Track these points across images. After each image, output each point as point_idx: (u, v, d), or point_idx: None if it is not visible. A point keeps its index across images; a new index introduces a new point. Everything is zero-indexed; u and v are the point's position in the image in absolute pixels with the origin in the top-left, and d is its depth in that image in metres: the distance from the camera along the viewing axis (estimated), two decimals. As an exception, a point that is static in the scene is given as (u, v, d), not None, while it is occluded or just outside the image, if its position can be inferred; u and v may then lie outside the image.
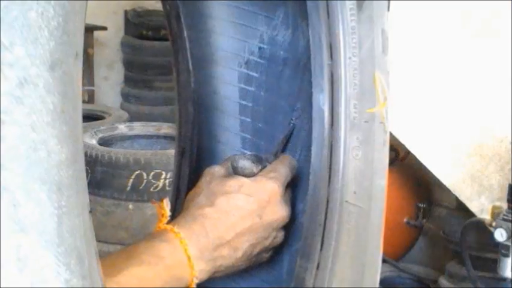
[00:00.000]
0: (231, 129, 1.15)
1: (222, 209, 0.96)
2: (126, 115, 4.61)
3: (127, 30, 6.07)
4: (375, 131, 1.03)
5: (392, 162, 3.23)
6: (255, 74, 1.13)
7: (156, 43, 5.54)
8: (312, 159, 1.01)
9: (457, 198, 2.85)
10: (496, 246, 2.54)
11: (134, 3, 6.05)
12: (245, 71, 1.13)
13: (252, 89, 1.14)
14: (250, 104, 1.14)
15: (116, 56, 6.15)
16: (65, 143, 0.48)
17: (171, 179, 3.00)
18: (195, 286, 0.91)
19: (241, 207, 0.97)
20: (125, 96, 5.99)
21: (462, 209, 2.84)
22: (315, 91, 1.00)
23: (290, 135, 1.10)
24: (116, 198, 3.14)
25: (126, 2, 6.05)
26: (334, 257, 0.99)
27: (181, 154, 1.09)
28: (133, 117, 4.67)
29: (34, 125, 0.45)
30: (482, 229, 2.64)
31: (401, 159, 3.42)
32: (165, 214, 0.94)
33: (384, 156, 1.05)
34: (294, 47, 1.10)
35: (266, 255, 1.04)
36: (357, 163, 1.01)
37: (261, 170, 1.03)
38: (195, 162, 1.08)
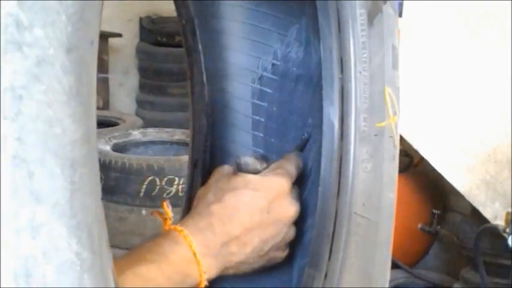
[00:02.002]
0: (243, 143, 1.17)
1: (229, 205, 0.97)
2: (140, 121, 4.63)
3: (142, 37, 6.11)
4: (385, 144, 1.05)
5: (406, 168, 3.26)
6: (268, 90, 1.16)
7: (171, 49, 5.55)
8: (322, 171, 1.02)
9: (471, 205, 2.84)
10: (510, 252, 2.54)
11: (149, 11, 6.11)
12: (258, 86, 1.16)
13: (265, 104, 1.16)
14: (262, 119, 1.17)
15: (131, 62, 6.20)
16: (79, 123, 0.50)
17: (184, 185, 3.02)
18: (206, 283, 0.91)
19: (249, 203, 0.98)
20: (140, 103, 6.03)
21: (476, 215, 2.84)
22: (326, 104, 1.02)
23: (303, 147, 1.12)
24: (129, 204, 3.16)
25: (141, 9, 6.10)
26: (342, 267, 1.00)
27: (194, 165, 1.12)
28: (148, 123, 4.69)
29: (50, 103, 0.47)
30: (496, 235, 2.63)
31: (415, 165, 3.43)
32: (168, 216, 0.96)
33: (393, 170, 1.07)
34: (307, 63, 1.12)
35: (281, 255, 1.04)
36: (366, 176, 1.03)
37: (266, 168, 1.04)
38: (207, 173, 1.10)
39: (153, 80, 5.88)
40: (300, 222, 1.06)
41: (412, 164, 3.41)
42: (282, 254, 1.05)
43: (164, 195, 3.12)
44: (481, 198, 2.72)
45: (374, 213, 1.04)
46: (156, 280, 0.87)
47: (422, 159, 3.06)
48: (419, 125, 2.78)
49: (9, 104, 0.45)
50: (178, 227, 0.94)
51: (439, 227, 3.38)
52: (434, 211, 3.38)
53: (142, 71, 6.07)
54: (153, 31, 5.93)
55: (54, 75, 0.48)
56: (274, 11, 1.12)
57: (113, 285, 0.56)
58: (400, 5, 2.66)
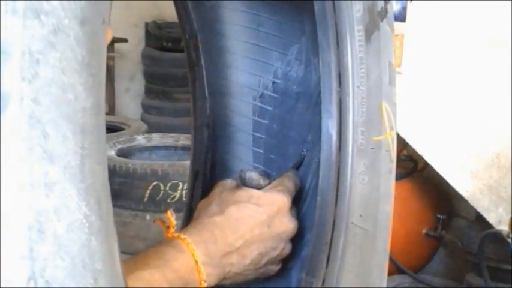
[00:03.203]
0: (243, 159, 1.20)
1: (232, 217, 1.00)
2: (145, 126, 4.65)
3: (148, 42, 6.15)
4: (381, 158, 1.08)
5: (411, 173, 3.28)
6: (268, 108, 1.19)
7: (177, 55, 5.56)
8: (320, 181, 1.05)
9: (476, 210, 2.85)
10: None
11: (155, 16, 6.15)
12: (259, 104, 1.19)
13: (265, 121, 1.19)
14: (263, 136, 1.20)
15: (137, 67, 6.23)
16: (90, 93, 0.53)
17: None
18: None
19: (251, 216, 1.01)
20: (146, 108, 6.04)
21: (481, 220, 2.85)
22: (324, 116, 1.05)
23: (300, 164, 1.15)
24: (133, 209, 3.16)
25: (146, 14, 6.15)
26: (339, 275, 1.02)
27: (195, 176, 1.15)
28: (153, 128, 4.70)
29: (64, 69, 0.51)
30: (500, 240, 2.63)
31: (420, 171, 3.44)
32: (172, 224, 0.98)
33: (389, 183, 1.09)
34: (306, 82, 1.16)
35: (274, 269, 1.06)
36: (363, 187, 1.05)
37: (268, 184, 1.07)
38: (208, 185, 1.13)
39: (159, 85, 5.90)
40: (298, 237, 1.09)
41: (416, 169, 3.44)
42: (275, 268, 1.08)
43: (168, 200, 3.13)
44: (485, 203, 2.73)
45: (371, 224, 1.06)
46: (158, 284, 0.89)
47: (427, 164, 3.09)
48: (424, 130, 2.82)
49: (27, 66, 0.48)
50: (182, 236, 0.96)
51: (443, 232, 3.39)
52: (439, 216, 3.40)
53: (148, 76, 6.09)
54: (158, 36, 5.96)
55: (68, 44, 0.51)
56: (275, 31, 1.16)
57: (117, 254, 0.58)
58: (404, 10, 2.71)
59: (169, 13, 5.95)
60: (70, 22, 0.51)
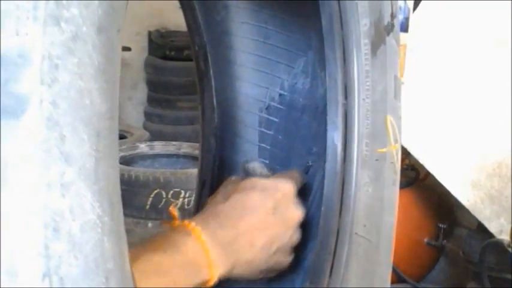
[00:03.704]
0: None
1: (237, 204, 1.00)
2: (147, 134, 4.65)
3: (151, 51, 6.14)
4: (386, 170, 1.10)
5: (412, 182, 3.29)
6: (274, 119, 1.21)
7: (179, 63, 5.55)
8: (325, 191, 1.07)
9: (477, 219, 2.86)
10: None
11: (158, 24, 6.15)
12: (265, 115, 1.21)
13: (271, 133, 1.21)
14: (268, 147, 1.21)
15: (140, 76, 6.23)
16: (105, 98, 0.55)
17: (190, 198, 3.03)
18: (216, 275, 0.93)
19: (255, 202, 1.01)
20: (148, 116, 6.05)
21: (482, 229, 2.86)
22: (330, 128, 1.07)
23: (306, 173, 1.17)
24: (135, 217, 3.16)
25: (149, 23, 6.15)
26: (343, 284, 1.03)
27: (202, 185, 1.16)
28: (156, 137, 4.69)
29: (82, 75, 0.53)
30: (501, 250, 2.64)
31: (421, 180, 3.45)
32: (176, 216, 0.99)
33: (393, 195, 1.11)
34: (313, 94, 1.17)
35: (286, 259, 1.06)
36: (367, 198, 1.07)
37: (272, 175, 1.09)
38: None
39: (161, 93, 5.91)
40: (301, 246, 1.10)
41: (418, 178, 3.45)
42: (287, 259, 1.07)
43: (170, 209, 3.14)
44: (486, 212, 2.74)
45: (374, 235, 1.08)
46: (169, 269, 0.89)
47: (428, 173, 3.10)
48: (426, 140, 2.84)
49: (46, 71, 0.50)
50: (187, 221, 0.97)
51: (445, 241, 3.40)
52: (440, 225, 3.41)
53: (151, 84, 6.09)
54: (161, 45, 5.96)
55: (85, 51, 0.53)
56: (282, 44, 1.18)
57: (127, 256, 0.60)
58: (406, 21, 2.73)
59: (173, 22, 5.98)
60: (88, 29, 0.53)
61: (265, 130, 1.22)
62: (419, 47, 2.82)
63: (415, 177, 3.44)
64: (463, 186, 2.79)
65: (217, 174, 1.17)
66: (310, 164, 1.17)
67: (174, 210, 1.01)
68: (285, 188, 1.05)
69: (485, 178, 2.76)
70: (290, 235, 1.05)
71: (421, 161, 2.90)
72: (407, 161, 3.42)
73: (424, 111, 2.84)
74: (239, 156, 1.22)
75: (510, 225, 2.69)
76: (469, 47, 2.78)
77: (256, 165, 1.08)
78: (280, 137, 1.21)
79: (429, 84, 2.84)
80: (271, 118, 1.21)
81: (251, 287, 1.11)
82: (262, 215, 1.01)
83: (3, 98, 0.48)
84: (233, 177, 1.09)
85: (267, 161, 1.22)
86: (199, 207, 1.16)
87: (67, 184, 0.51)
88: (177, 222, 0.98)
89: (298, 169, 1.18)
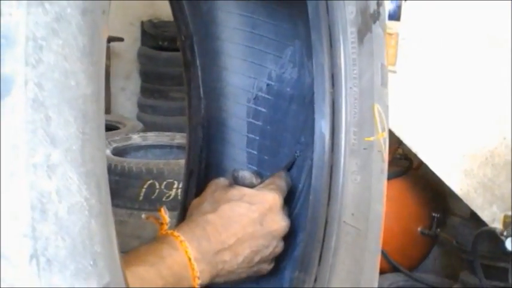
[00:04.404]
0: (237, 159, 1.21)
1: (225, 215, 1.02)
2: (140, 125, 4.66)
3: (144, 41, 6.11)
4: (373, 158, 1.10)
5: (406, 171, 3.30)
6: (262, 110, 1.21)
7: (173, 54, 5.52)
8: (313, 180, 1.07)
9: (470, 208, 2.86)
10: (508, 255, 2.55)
11: (151, 15, 6.12)
12: (253, 106, 1.21)
13: (259, 123, 1.21)
14: (257, 137, 1.21)
15: (133, 66, 6.21)
16: (91, 80, 0.55)
17: None
18: (198, 285, 0.95)
19: (243, 215, 1.03)
20: (141, 107, 6.02)
21: (475, 218, 2.86)
22: (317, 117, 1.07)
23: (292, 165, 1.17)
24: (128, 208, 3.17)
25: (142, 13, 6.12)
26: (332, 272, 1.03)
27: (189, 175, 1.16)
28: (149, 127, 4.69)
29: (67, 56, 0.52)
30: (494, 238, 2.65)
31: (415, 169, 3.46)
32: (165, 221, 1.00)
33: (381, 183, 1.11)
34: (300, 84, 1.17)
35: (267, 267, 1.08)
36: (355, 187, 1.07)
37: (260, 183, 1.09)
38: (202, 184, 1.14)
39: (155, 84, 5.88)
40: (291, 237, 1.10)
41: (411, 167, 3.46)
42: (268, 267, 1.09)
43: (163, 199, 3.14)
44: (479, 201, 2.75)
45: (363, 223, 1.08)
46: (153, 281, 0.91)
47: (422, 162, 3.10)
48: (418, 129, 2.84)
49: (31, 52, 0.50)
50: (175, 233, 0.98)
51: (438, 230, 3.40)
52: (434, 214, 3.41)
53: (144, 75, 6.07)
54: (154, 35, 5.93)
55: (70, 32, 0.53)
56: (269, 34, 1.18)
57: (115, 239, 0.60)
58: (399, 9, 2.73)
59: (165, 12, 5.90)
60: (72, 11, 0.53)
61: (253, 120, 1.21)
62: (412, 36, 2.82)
63: (408, 166, 3.45)
64: (456, 175, 2.79)
65: (204, 164, 1.17)
66: (298, 153, 1.17)
67: (165, 214, 1.01)
68: (272, 200, 1.06)
69: (477, 167, 2.76)
70: (274, 246, 1.06)
71: (414, 150, 2.90)
72: (400, 150, 3.43)
73: (416, 100, 2.84)
74: (227, 147, 1.22)
75: (503, 214, 2.70)
76: (462, 35, 2.78)
77: (245, 174, 1.08)
78: (268, 127, 1.21)
79: (422, 73, 2.84)
80: (259, 108, 1.21)
81: (240, 286, 1.11)
82: (249, 227, 1.03)
83: (-13, 78, 0.48)
84: (221, 180, 1.10)
85: (255, 152, 1.22)
86: (187, 197, 1.16)
87: (53, 166, 0.51)
88: (165, 227, 0.98)
89: (286, 160, 1.18)
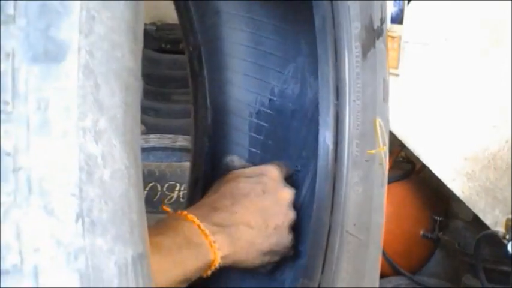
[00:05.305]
0: None
1: (227, 192, 1.05)
2: (142, 128, 4.59)
3: (146, 44, 6.04)
4: (375, 170, 1.12)
5: (408, 175, 3.30)
6: (264, 124, 1.23)
7: (175, 56, 5.48)
8: (316, 190, 1.09)
9: (473, 211, 2.86)
10: (510, 258, 2.55)
11: (154, 17, 6.12)
12: (255, 120, 1.23)
13: (261, 137, 1.23)
14: (258, 152, 1.23)
15: None
16: (133, 56, 0.57)
17: (185, 191, 3.02)
18: (219, 254, 0.95)
19: (244, 189, 1.05)
20: (144, 109, 5.91)
21: (478, 221, 2.85)
22: (321, 128, 1.10)
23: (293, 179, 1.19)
24: None
25: (145, 15, 6.08)
26: (334, 280, 1.05)
27: (194, 184, 1.18)
28: (151, 130, 4.63)
29: (114, 29, 0.55)
30: (496, 242, 2.64)
31: (417, 172, 3.45)
32: (169, 211, 1.02)
33: (382, 196, 1.14)
34: (302, 99, 1.20)
35: (286, 239, 1.08)
36: (357, 198, 1.10)
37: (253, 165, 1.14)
38: (207, 191, 1.15)
39: (157, 86, 5.82)
40: (293, 245, 1.12)
41: (414, 170, 3.45)
42: (287, 238, 1.09)
43: (165, 201, 3.13)
44: (481, 204, 2.75)
45: (364, 233, 1.10)
46: (170, 248, 0.90)
47: (424, 166, 3.09)
48: (421, 132, 2.85)
49: (84, 21, 0.52)
50: (179, 211, 0.99)
51: (440, 233, 3.39)
52: (436, 217, 3.39)
53: (147, 77, 6.03)
54: (157, 38, 5.91)
55: (118, 7, 0.55)
56: (273, 50, 1.21)
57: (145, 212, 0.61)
58: (401, 13, 2.77)
59: (168, 15, 5.87)
60: (118, -11, 0.55)
61: (255, 135, 1.24)
62: (415, 39, 2.85)
63: (410, 169, 3.45)
64: (458, 178, 2.79)
65: (210, 173, 1.19)
66: (299, 168, 1.19)
67: (167, 207, 1.03)
68: (270, 171, 1.09)
69: (480, 170, 2.77)
70: (284, 213, 1.08)
71: (416, 153, 2.90)
72: (402, 154, 3.43)
73: (419, 104, 2.86)
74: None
75: (505, 217, 2.71)
76: (465, 38, 2.80)
77: (234, 158, 1.12)
78: (270, 141, 1.23)
79: (424, 77, 2.86)
80: (261, 123, 1.23)
81: (243, 287, 1.12)
82: (254, 199, 1.05)
83: (46, 42, 0.50)
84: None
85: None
86: (191, 205, 1.17)
87: (100, 131, 0.53)
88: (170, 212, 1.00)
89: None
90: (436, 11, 2.83)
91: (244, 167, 1.12)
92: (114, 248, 0.53)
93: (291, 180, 1.17)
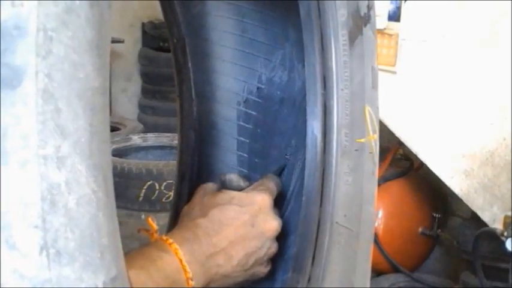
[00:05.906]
0: (228, 162, 1.22)
1: (215, 219, 1.01)
2: (140, 126, 4.67)
3: (144, 42, 6.11)
4: (365, 160, 1.10)
5: (406, 172, 3.30)
6: (253, 112, 1.21)
7: None
8: (305, 181, 1.07)
9: (470, 208, 2.86)
10: (508, 255, 2.56)
11: (151, 16, 6.10)
12: (243, 109, 1.21)
13: (250, 126, 1.21)
14: (247, 140, 1.22)
15: (134, 68, 6.19)
16: (98, 73, 0.55)
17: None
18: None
19: (234, 217, 1.02)
20: (142, 108, 6.00)
21: (476, 219, 2.86)
22: (309, 118, 1.08)
23: (283, 168, 1.17)
24: (128, 209, 3.16)
25: (143, 14, 6.10)
26: (325, 272, 1.04)
27: (181, 178, 1.16)
28: (150, 128, 4.69)
29: (75, 48, 0.53)
30: (494, 239, 2.65)
31: (415, 170, 3.46)
32: (154, 229, 0.99)
33: (372, 185, 1.12)
34: (290, 87, 1.18)
35: (263, 270, 1.07)
36: (347, 188, 1.08)
37: (248, 186, 1.09)
38: (194, 187, 1.14)
39: (156, 85, 5.86)
40: (282, 239, 1.10)
41: (412, 168, 3.46)
42: (264, 270, 1.08)
43: (163, 200, 3.14)
44: (479, 202, 2.75)
45: (355, 224, 1.08)
46: (145, 285, 0.89)
47: (422, 163, 3.09)
48: (419, 129, 2.84)
49: (42, 42, 0.50)
50: (164, 237, 0.97)
51: (439, 230, 3.41)
52: (435, 215, 3.41)
53: (145, 76, 6.05)
54: (155, 36, 5.91)
55: (79, 25, 0.53)
56: (260, 37, 1.19)
57: (118, 233, 0.60)
58: (398, 10, 2.74)
59: None
60: (81, 3, 0.53)
61: (243, 123, 1.22)
62: (412, 37, 2.83)
63: (408, 167, 3.45)
64: (456, 175, 2.79)
65: (196, 167, 1.17)
66: (288, 156, 1.18)
67: (153, 222, 1.01)
68: (261, 200, 1.05)
69: (478, 167, 2.77)
70: (268, 247, 1.06)
71: (415, 151, 2.90)
72: (400, 151, 3.44)
73: (416, 101, 2.85)
74: (217, 150, 1.22)
75: (503, 214, 2.70)
76: (463, 35, 2.77)
77: (232, 177, 1.08)
78: (258, 130, 1.21)
79: (422, 74, 2.84)
80: (249, 111, 1.21)
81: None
82: (240, 229, 1.02)
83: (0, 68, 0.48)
84: (209, 185, 1.10)
85: (246, 155, 1.22)
86: (179, 200, 1.15)
87: (63, 158, 0.51)
88: (155, 235, 0.98)
89: (277, 163, 1.18)
90: (433, 9, 2.80)
91: (241, 189, 1.08)
92: (83, 275, 0.52)
93: (282, 174, 1.15)
